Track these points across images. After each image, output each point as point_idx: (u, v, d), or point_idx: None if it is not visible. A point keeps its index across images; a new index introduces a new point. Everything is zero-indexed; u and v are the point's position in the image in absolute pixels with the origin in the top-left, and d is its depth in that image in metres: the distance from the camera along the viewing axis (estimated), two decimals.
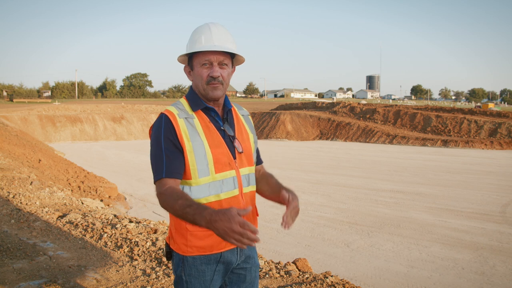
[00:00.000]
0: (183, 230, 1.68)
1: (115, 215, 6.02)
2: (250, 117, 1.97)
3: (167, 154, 1.62)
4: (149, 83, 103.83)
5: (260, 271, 3.80)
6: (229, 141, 1.74)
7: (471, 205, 10.30)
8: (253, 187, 1.85)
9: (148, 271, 3.67)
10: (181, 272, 1.71)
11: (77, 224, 5.16)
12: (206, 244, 1.68)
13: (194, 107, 1.73)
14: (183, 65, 1.84)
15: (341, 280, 3.57)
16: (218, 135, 1.72)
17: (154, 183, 1.63)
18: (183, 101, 1.77)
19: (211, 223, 1.36)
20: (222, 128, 1.75)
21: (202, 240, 1.67)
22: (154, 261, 3.98)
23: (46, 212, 5.67)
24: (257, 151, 1.98)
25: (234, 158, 1.74)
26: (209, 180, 1.67)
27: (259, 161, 1.99)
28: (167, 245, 1.77)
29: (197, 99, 1.75)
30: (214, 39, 1.70)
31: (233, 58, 1.79)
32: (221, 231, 1.33)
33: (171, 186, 1.59)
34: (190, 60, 1.76)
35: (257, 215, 1.89)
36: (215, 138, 1.70)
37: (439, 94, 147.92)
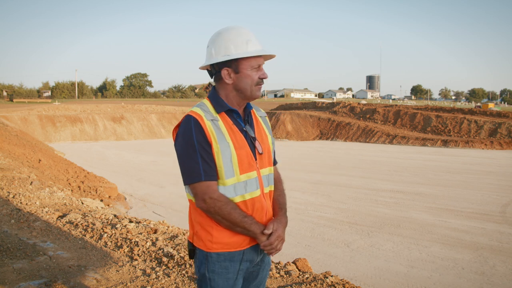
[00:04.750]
0: (209, 227, 1.74)
1: (115, 215, 6.02)
2: (267, 118, 2.04)
3: (202, 156, 1.67)
4: (149, 83, 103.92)
5: None
6: (251, 142, 1.80)
7: (471, 205, 10.30)
8: (271, 187, 1.91)
9: (148, 271, 3.67)
10: (204, 269, 1.76)
11: (77, 224, 5.16)
12: (232, 241, 1.75)
13: (218, 109, 1.77)
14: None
15: (341, 280, 3.57)
16: (241, 136, 1.77)
17: (188, 184, 1.70)
18: (207, 102, 1.80)
19: (263, 234, 1.74)
20: (244, 129, 1.80)
21: (228, 237, 1.74)
22: (154, 261, 3.98)
23: (46, 212, 5.67)
24: (273, 152, 2.03)
25: (255, 159, 1.79)
26: (235, 181, 1.72)
27: (274, 162, 2.05)
28: (190, 243, 1.82)
29: (221, 101, 1.79)
30: (259, 43, 1.80)
31: None
32: (270, 242, 1.74)
33: (222, 193, 1.69)
34: (233, 63, 1.77)
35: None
36: (239, 140, 1.75)
37: (439, 94, 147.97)
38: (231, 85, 1.79)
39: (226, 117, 1.77)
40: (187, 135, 1.68)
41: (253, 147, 1.79)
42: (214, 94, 1.82)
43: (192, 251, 1.81)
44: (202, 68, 1.86)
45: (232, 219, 1.69)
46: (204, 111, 1.74)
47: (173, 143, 1.81)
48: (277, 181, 1.98)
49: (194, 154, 1.67)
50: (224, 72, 1.78)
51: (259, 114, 1.97)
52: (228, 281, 1.75)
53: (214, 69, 1.80)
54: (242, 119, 1.83)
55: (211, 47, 1.80)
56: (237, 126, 1.78)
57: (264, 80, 1.80)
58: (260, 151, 1.81)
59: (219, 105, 1.78)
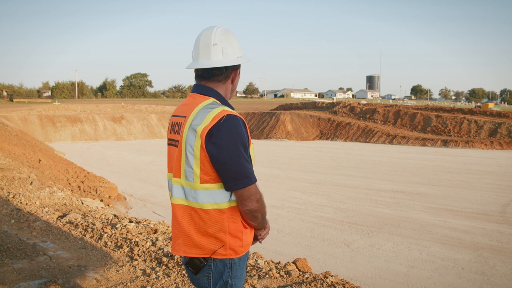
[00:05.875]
0: (239, 232, 1.70)
1: (115, 215, 6.02)
2: None
3: (250, 157, 1.67)
4: (149, 83, 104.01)
5: (260, 271, 3.80)
6: None
7: (471, 205, 10.30)
8: None
9: (148, 271, 3.67)
10: (228, 277, 1.70)
11: (77, 224, 5.16)
12: (251, 240, 1.79)
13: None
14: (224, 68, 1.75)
15: (341, 280, 3.57)
16: None
17: (242, 188, 1.61)
18: (218, 102, 1.73)
19: (267, 224, 1.86)
20: None
21: (250, 237, 1.78)
22: (154, 261, 3.98)
23: (46, 212, 5.67)
24: None
25: None
26: None
27: None
28: (203, 259, 1.69)
29: (228, 102, 1.79)
30: None
31: None
32: (268, 230, 1.87)
33: None
34: (238, 65, 1.81)
35: None
36: None
37: (439, 94, 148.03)
38: (228, 85, 1.80)
39: None
40: (240, 136, 1.60)
41: None
42: (219, 95, 1.76)
43: (204, 265, 1.69)
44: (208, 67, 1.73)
45: (265, 214, 1.76)
46: None
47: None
48: None
49: (247, 156, 1.63)
50: (236, 73, 1.80)
51: None
52: (242, 280, 1.77)
53: (224, 70, 1.74)
54: None
55: (223, 45, 1.72)
56: None
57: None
58: None
59: (229, 106, 1.75)
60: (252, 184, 1.62)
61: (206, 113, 1.61)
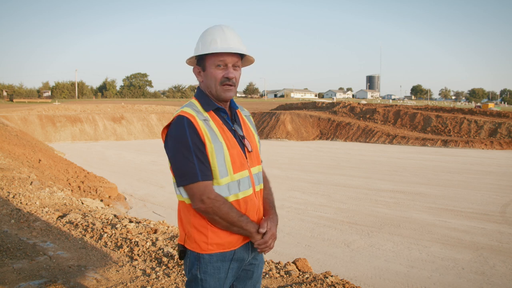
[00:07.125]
0: (203, 228, 1.72)
1: (115, 215, 6.02)
2: (251, 117, 2.03)
3: (197, 156, 1.66)
4: (149, 83, 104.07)
5: None
6: (240, 141, 1.80)
7: (471, 205, 10.30)
8: (261, 185, 1.91)
9: (148, 271, 3.67)
10: (196, 270, 1.74)
11: (77, 224, 5.16)
12: (226, 241, 1.74)
13: (206, 108, 1.77)
14: (191, 67, 1.88)
15: (341, 280, 3.57)
16: (231, 135, 1.77)
17: (183, 186, 1.69)
18: (195, 102, 1.80)
19: (262, 233, 1.77)
20: (233, 128, 1.80)
21: (223, 238, 1.73)
22: (154, 261, 3.98)
23: (46, 212, 5.67)
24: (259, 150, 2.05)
25: (246, 157, 1.80)
26: (228, 180, 1.72)
27: None
28: (181, 245, 1.80)
29: (208, 100, 1.79)
30: (229, 41, 1.76)
31: (241, 60, 1.86)
32: (265, 240, 1.78)
33: (219, 194, 1.69)
34: (201, 61, 1.80)
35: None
36: (230, 139, 1.75)
37: (439, 94, 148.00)
38: (202, 83, 1.82)
39: (215, 116, 1.78)
40: (181, 135, 1.66)
41: (242, 146, 1.79)
42: (200, 93, 1.82)
43: (183, 252, 1.79)
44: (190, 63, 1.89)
45: (230, 219, 1.69)
46: (195, 111, 1.73)
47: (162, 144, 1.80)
48: (265, 180, 1.98)
49: (189, 154, 1.65)
50: (195, 70, 1.84)
51: (243, 114, 1.97)
52: (219, 280, 1.76)
53: (195, 63, 1.85)
54: (229, 118, 1.83)
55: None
56: (226, 125, 1.78)
57: (232, 80, 1.76)
58: (250, 149, 1.82)
59: (207, 104, 1.78)
60: (194, 183, 1.65)
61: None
